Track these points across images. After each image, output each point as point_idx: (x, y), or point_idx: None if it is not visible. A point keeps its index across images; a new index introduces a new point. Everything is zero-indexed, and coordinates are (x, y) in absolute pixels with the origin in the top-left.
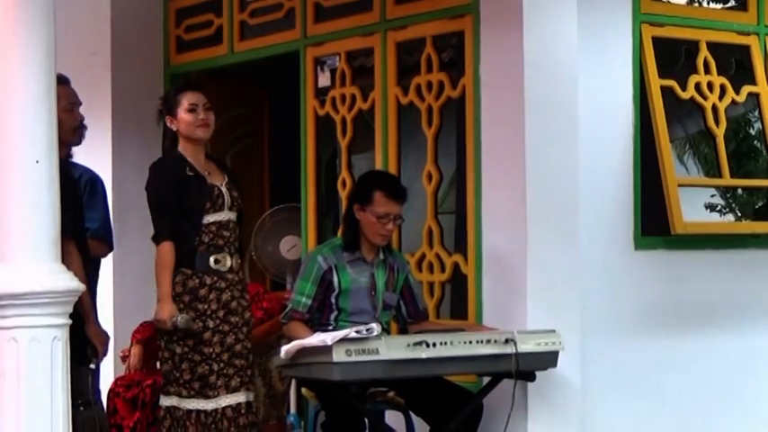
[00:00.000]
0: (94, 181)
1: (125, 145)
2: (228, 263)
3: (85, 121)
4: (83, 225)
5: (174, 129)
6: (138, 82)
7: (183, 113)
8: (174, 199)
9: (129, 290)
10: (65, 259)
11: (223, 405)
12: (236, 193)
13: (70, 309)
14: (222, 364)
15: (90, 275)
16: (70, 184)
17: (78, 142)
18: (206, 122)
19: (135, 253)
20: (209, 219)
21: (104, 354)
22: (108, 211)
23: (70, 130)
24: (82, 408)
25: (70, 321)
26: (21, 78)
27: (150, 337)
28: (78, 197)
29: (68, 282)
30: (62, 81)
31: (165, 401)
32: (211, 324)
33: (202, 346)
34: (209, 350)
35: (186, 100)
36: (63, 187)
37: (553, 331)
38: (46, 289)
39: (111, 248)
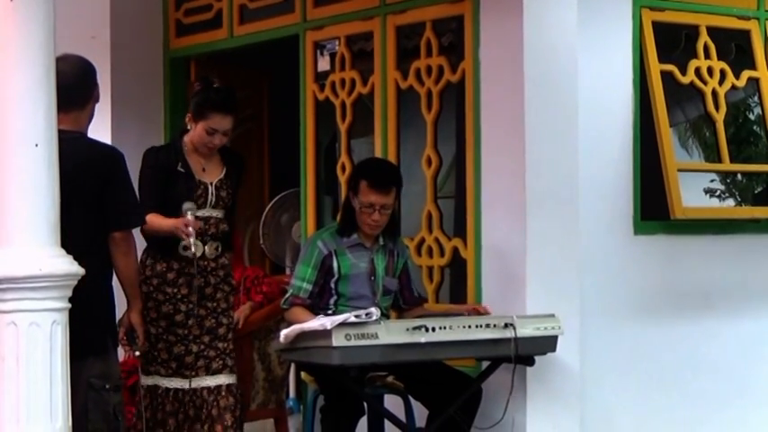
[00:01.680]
0: None
1: (124, 130)
2: (200, 251)
3: None
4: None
5: (189, 127)
6: (137, 66)
7: (200, 128)
8: (158, 188)
9: None
10: (127, 251)
11: (201, 386)
12: (224, 194)
13: (69, 292)
14: (203, 346)
15: None
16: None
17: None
18: (215, 147)
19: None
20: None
21: (145, 341)
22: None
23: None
24: (112, 392)
25: (69, 305)
26: (20, 61)
27: None
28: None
29: (68, 266)
30: None
31: (147, 381)
32: (183, 308)
33: (176, 327)
34: (185, 331)
35: (210, 122)
36: (123, 168)
37: (552, 316)
38: (45, 273)
39: None
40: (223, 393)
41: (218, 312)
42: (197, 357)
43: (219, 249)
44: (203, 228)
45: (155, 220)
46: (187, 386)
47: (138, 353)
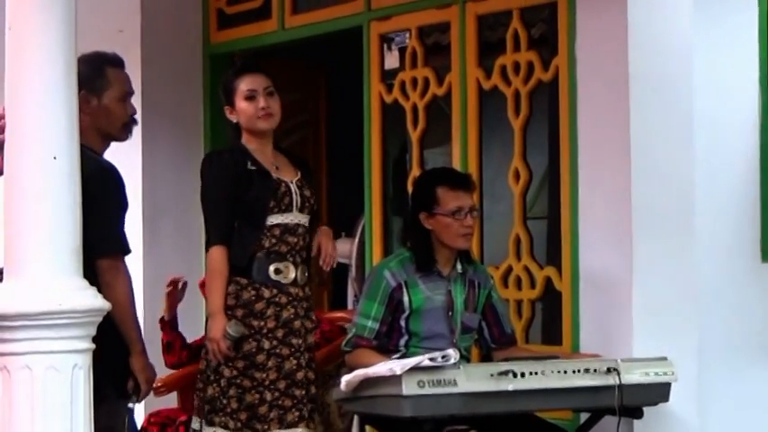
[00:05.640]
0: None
1: (157, 139)
2: (292, 274)
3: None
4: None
5: (235, 120)
6: (171, 64)
7: (241, 102)
8: (229, 198)
9: (161, 307)
10: (112, 283)
11: None
12: (308, 193)
13: (93, 331)
14: (277, 394)
15: None
16: (115, 185)
17: (125, 138)
18: (268, 111)
19: (168, 264)
20: (274, 220)
21: (148, 392)
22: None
23: (119, 125)
24: None
25: (93, 346)
26: (36, 60)
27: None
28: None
29: (92, 299)
30: (117, 64)
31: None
32: (267, 345)
33: (254, 370)
34: (262, 375)
35: (244, 85)
36: (109, 189)
37: (664, 359)
38: (66, 308)
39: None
40: None
41: (299, 352)
42: (270, 407)
43: (306, 274)
44: (293, 242)
45: (214, 273)
46: None
47: (131, 405)
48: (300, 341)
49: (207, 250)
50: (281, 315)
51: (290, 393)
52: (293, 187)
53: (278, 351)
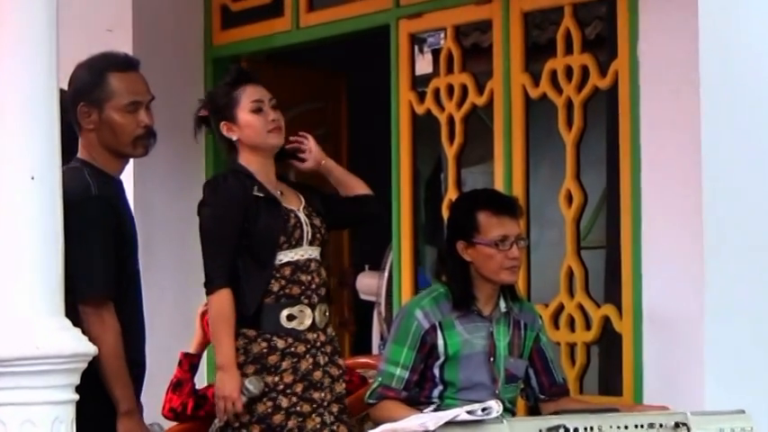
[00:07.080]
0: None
1: (150, 158)
2: (309, 319)
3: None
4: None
5: (234, 138)
6: (168, 69)
7: (246, 115)
8: (237, 232)
9: (158, 349)
10: (96, 333)
11: None
12: (318, 221)
13: (76, 379)
14: None
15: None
16: (103, 215)
17: (140, 154)
18: (278, 125)
19: (163, 301)
20: (284, 258)
21: None
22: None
23: (128, 140)
24: None
25: (76, 396)
26: (12, 64)
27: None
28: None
29: (75, 342)
30: (125, 68)
31: None
32: (285, 403)
33: None
34: None
35: (247, 97)
36: (93, 220)
37: (742, 412)
38: (44, 353)
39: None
40: None
41: (323, 407)
42: None
43: (327, 314)
44: (307, 281)
45: (222, 320)
46: None
47: None
48: (323, 394)
49: (208, 293)
50: (299, 367)
51: None
52: (302, 216)
53: (298, 409)
